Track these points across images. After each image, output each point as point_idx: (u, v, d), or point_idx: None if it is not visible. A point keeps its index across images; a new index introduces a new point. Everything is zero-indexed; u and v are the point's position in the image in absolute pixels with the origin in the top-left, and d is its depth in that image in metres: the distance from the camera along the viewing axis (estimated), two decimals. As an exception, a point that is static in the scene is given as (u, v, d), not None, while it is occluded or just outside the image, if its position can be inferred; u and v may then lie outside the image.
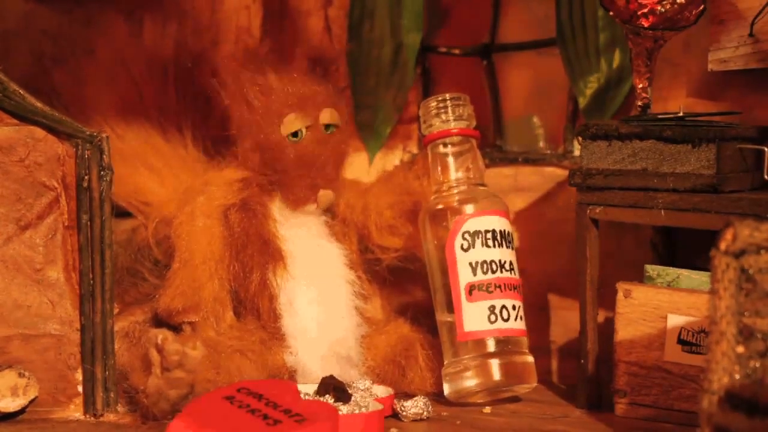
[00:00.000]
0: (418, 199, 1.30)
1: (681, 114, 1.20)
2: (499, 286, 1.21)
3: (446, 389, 1.22)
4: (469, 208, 1.23)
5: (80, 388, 1.18)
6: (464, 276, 1.21)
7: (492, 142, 1.44)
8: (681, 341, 1.16)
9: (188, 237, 1.24)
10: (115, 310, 1.20)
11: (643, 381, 1.18)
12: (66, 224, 1.18)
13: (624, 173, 1.18)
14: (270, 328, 1.23)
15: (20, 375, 1.15)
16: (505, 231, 1.23)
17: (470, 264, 1.21)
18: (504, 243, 1.23)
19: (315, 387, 1.17)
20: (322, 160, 1.26)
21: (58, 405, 1.17)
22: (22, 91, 1.18)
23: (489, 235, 1.22)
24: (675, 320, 1.16)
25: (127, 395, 1.17)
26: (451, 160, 1.25)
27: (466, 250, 1.22)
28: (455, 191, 1.24)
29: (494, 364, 1.20)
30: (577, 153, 1.34)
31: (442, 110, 1.26)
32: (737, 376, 0.90)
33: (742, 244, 0.90)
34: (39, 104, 1.18)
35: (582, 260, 1.22)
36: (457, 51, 1.46)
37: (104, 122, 1.32)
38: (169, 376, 1.11)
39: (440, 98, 1.26)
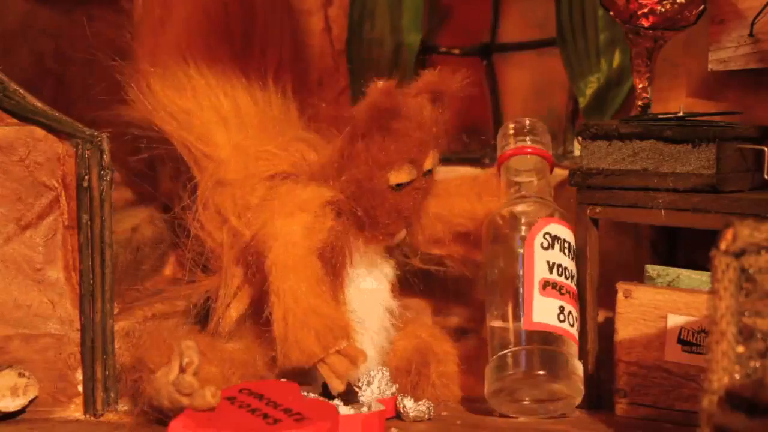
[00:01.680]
0: (473, 222, 1.25)
1: (681, 114, 1.20)
2: (569, 293, 1.20)
3: (487, 386, 1.18)
4: (547, 213, 1.22)
5: (80, 388, 1.18)
6: (540, 271, 1.19)
7: (492, 142, 1.44)
8: (681, 341, 1.16)
9: (289, 270, 1.14)
10: (115, 310, 1.20)
11: (643, 381, 1.18)
12: (66, 224, 1.18)
13: (624, 173, 1.18)
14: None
15: (20, 375, 1.15)
16: (573, 246, 1.22)
17: (548, 261, 1.20)
18: (572, 256, 1.22)
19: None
20: (412, 206, 1.20)
21: (59, 405, 1.17)
22: (22, 91, 1.18)
23: (566, 244, 1.21)
24: (675, 320, 1.16)
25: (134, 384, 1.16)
26: (523, 178, 1.24)
27: (545, 248, 1.20)
28: (530, 200, 1.23)
29: (538, 353, 1.18)
30: (577, 153, 1.35)
31: (520, 132, 1.26)
32: (737, 376, 0.90)
33: (742, 243, 0.90)
34: (39, 104, 1.18)
35: (582, 260, 1.22)
36: (457, 51, 1.46)
37: (185, 46, 1.24)
38: (172, 394, 1.07)
39: (518, 121, 1.26)
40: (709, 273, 0.94)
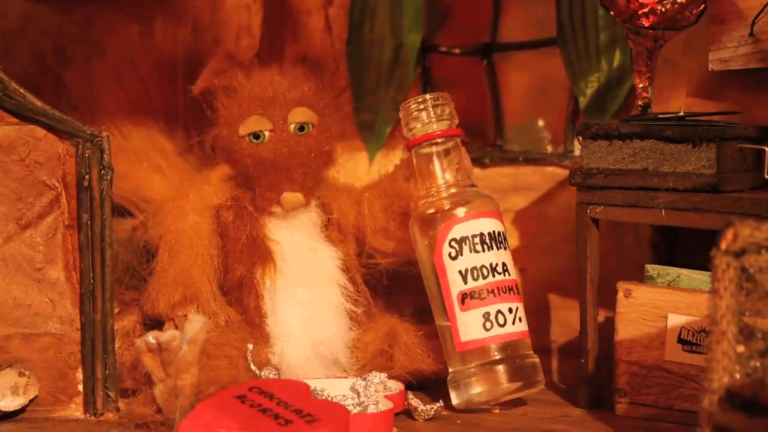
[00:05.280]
0: (405, 202, 1.29)
1: (681, 113, 1.20)
2: (492, 291, 1.19)
3: (454, 398, 1.20)
4: (459, 212, 1.21)
5: (80, 387, 1.18)
6: (455, 285, 1.19)
7: (492, 141, 1.44)
8: (681, 341, 1.16)
9: (177, 233, 1.24)
10: (116, 310, 1.20)
11: (643, 380, 1.18)
12: (66, 223, 1.18)
13: (624, 173, 1.18)
14: (254, 327, 1.23)
15: (20, 374, 1.15)
16: (495, 232, 1.21)
17: (460, 272, 1.19)
18: (494, 245, 1.21)
19: (326, 382, 1.17)
20: (285, 163, 1.25)
21: (59, 404, 1.17)
22: (22, 90, 1.18)
23: (477, 240, 1.20)
24: (675, 320, 1.16)
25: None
26: (436, 163, 1.23)
27: (454, 258, 1.20)
28: (444, 195, 1.22)
29: (499, 370, 1.19)
30: (577, 152, 1.34)
31: (423, 111, 1.23)
32: (738, 376, 0.90)
33: (742, 243, 0.90)
34: (39, 103, 1.18)
35: (582, 260, 1.22)
36: (457, 50, 1.46)
37: (111, 121, 1.32)
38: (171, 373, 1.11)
39: (420, 99, 1.24)
40: (709, 273, 0.94)
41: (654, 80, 1.23)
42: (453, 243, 1.20)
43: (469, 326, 1.19)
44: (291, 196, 1.25)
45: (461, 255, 1.20)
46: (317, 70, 1.31)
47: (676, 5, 1.19)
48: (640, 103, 1.23)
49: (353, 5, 1.45)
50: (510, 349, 1.19)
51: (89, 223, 1.18)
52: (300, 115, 1.26)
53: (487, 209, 1.22)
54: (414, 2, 1.43)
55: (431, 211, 1.22)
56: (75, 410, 1.18)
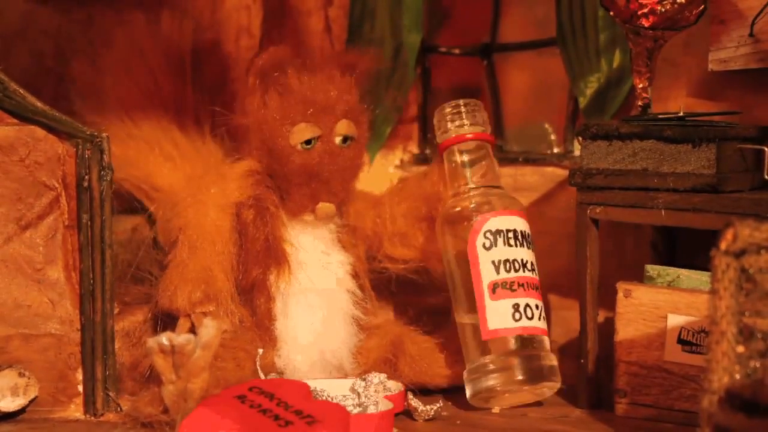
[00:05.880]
0: (433, 206, 1.28)
1: (681, 114, 1.20)
2: (522, 285, 1.20)
3: (469, 391, 1.21)
4: (494, 207, 1.22)
5: (80, 388, 1.18)
6: (487, 274, 1.20)
7: (496, 142, 1.44)
8: (681, 341, 1.16)
9: (198, 228, 1.23)
10: (116, 310, 1.20)
11: (643, 381, 1.18)
12: (66, 224, 1.18)
13: (624, 173, 1.18)
14: (263, 329, 1.23)
15: (20, 375, 1.15)
16: (525, 231, 1.23)
17: (493, 262, 1.20)
18: (525, 243, 1.22)
19: (326, 382, 1.17)
20: (328, 174, 1.24)
21: (59, 405, 1.18)
22: (22, 91, 1.18)
23: (511, 234, 1.21)
24: (675, 320, 1.16)
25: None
26: (467, 165, 1.25)
27: (488, 249, 1.21)
28: (473, 194, 1.23)
29: (518, 363, 1.19)
30: (577, 153, 1.34)
31: (457, 116, 1.25)
32: (737, 376, 0.90)
33: (742, 243, 0.90)
34: (39, 104, 1.18)
35: (582, 260, 1.22)
36: (457, 51, 1.46)
37: (121, 110, 1.32)
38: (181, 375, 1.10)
39: (454, 104, 1.25)
40: (709, 273, 0.94)
41: (654, 80, 1.23)
42: (488, 234, 1.21)
43: (498, 315, 1.19)
44: (326, 207, 1.25)
45: (495, 246, 1.21)
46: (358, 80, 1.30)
47: (676, 5, 1.19)
48: (640, 103, 1.23)
49: (353, 5, 1.45)
50: (532, 344, 1.20)
51: (89, 223, 1.18)
52: (346, 127, 1.25)
53: (516, 209, 1.24)
54: (414, 2, 1.43)
55: (459, 208, 1.23)
56: (75, 411, 1.18)
